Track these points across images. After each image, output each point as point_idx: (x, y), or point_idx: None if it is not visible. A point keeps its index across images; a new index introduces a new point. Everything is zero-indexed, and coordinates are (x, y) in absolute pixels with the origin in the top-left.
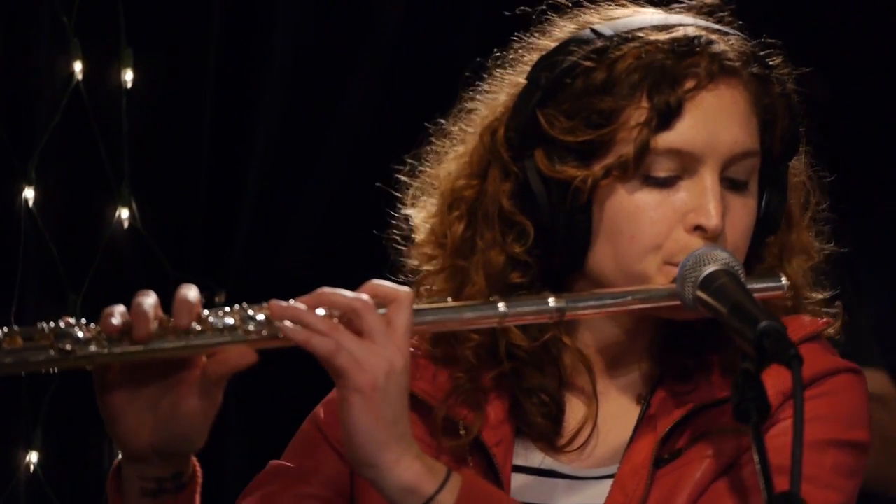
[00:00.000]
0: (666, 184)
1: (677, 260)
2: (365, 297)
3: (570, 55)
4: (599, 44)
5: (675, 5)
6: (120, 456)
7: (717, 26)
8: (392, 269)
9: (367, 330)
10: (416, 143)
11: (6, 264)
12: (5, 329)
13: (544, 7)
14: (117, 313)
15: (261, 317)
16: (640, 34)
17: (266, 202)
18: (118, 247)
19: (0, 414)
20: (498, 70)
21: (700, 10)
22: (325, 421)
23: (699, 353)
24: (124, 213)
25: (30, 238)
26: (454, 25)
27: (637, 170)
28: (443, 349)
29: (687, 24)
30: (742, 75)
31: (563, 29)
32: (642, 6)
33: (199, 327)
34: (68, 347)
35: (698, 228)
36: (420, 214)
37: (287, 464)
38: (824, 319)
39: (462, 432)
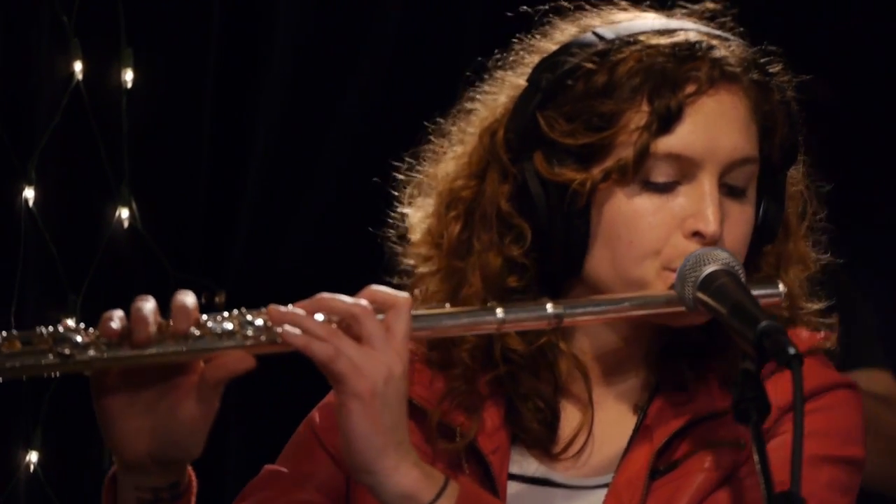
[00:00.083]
0: (665, 189)
1: (675, 265)
2: (364, 302)
3: (572, 57)
4: (601, 47)
5: (677, 10)
6: (115, 465)
7: (718, 32)
8: (390, 270)
9: (365, 335)
10: (415, 142)
11: (6, 264)
12: (4, 333)
13: (546, 9)
14: (116, 318)
15: (259, 322)
16: (642, 38)
17: (266, 202)
18: (118, 247)
19: (0, 414)
20: (498, 71)
21: (701, 16)
22: (321, 425)
23: (697, 364)
24: (124, 213)
25: (30, 238)
26: (454, 25)
27: (636, 174)
28: (439, 353)
29: (688, 28)
30: (742, 81)
31: (565, 31)
32: (644, 10)
33: (197, 332)
34: (67, 352)
35: (696, 234)
36: (417, 214)
37: (282, 469)
38: (822, 334)
39: (458, 438)
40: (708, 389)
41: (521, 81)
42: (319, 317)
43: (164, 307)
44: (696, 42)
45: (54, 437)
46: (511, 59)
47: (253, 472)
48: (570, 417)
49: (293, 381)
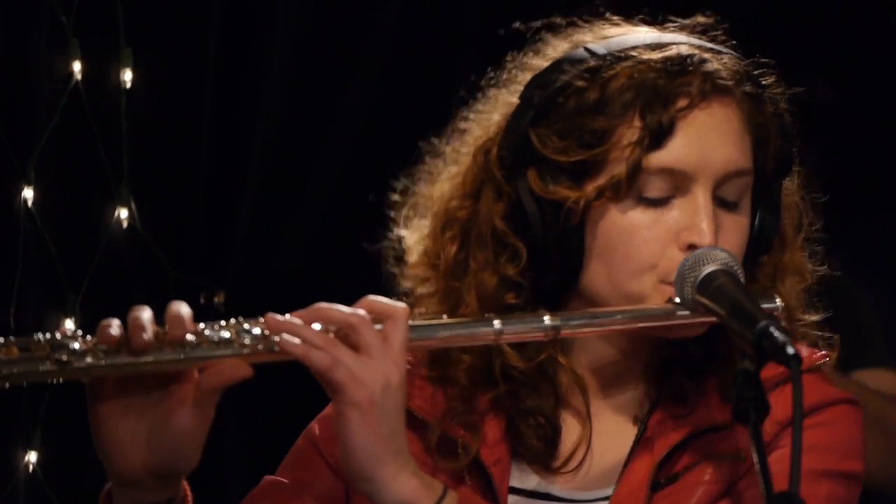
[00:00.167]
0: (659, 203)
1: (672, 279)
2: (361, 312)
3: (563, 74)
4: (592, 63)
5: (669, 24)
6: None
7: (710, 45)
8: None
9: (363, 345)
10: (415, 143)
11: (5, 264)
12: (1, 340)
13: (538, 26)
14: (114, 325)
15: (257, 330)
16: (634, 53)
17: (265, 202)
18: (117, 247)
19: (0, 414)
20: (491, 89)
21: (693, 30)
22: (320, 436)
23: (696, 376)
24: (123, 213)
25: (29, 238)
26: (453, 26)
27: (630, 190)
28: (438, 371)
29: (680, 42)
30: (735, 94)
31: (557, 48)
32: (636, 25)
33: (194, 340)
34: (64, 358)
35: (692, 247)
36: (413, 236)
37: (282, 479)
38: (822, 352)
39: (460, 451)
40: (708, 402)
41: (514, 99)
42: (317, 326)
43: (164, 307)
44: (688, 56)
45: (54, 437)
46: (504, 76)
47: (250, 483)
48: (570, 431)
49: (290, 391)
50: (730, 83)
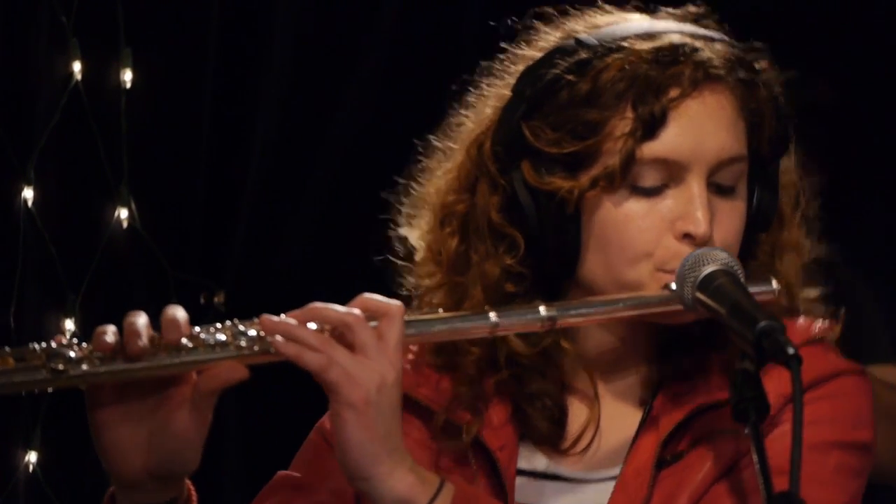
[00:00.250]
0: (653, 192)
1: (669, 267)
2: (356, 311)
3: (554, 67)
4: (583, 55)
5: (662, 11)
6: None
7: (703, 32)
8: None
9: (358, 344)
10: (415, 143)
11: (5, 264)
12: None
13: (530, 16)
14: (109, 332)
15: (252, 332)
16: (625, 44)
17: (265, 202)
18: (117, 247)
19: (0, 414)
20: (484, 82)
21: (684, 18)
22: (331, 431)
23: (699, 355)
24: (123, 213)
25: (29, 238)
26: (453, 26)
27: (623, 180)
28: (444, 359)
29: (672, 31)
30: (727, 81)
31: (548, 38)
32: (628, 12)
33: (190, 344)
34: (60, 367)
35: (687, 236)
36: (414, 233)
37: (294, 474)
38: (827, 323)
39: (464, 435)
40: (711, 379)
41: (506, 92)
42: (312, 326)
43: (164, 307)
44: (679, 45)
45: (54, 437)
46: (496, 69)
47: (251, 483)
48: (576, 413)
49: (290, 391)
50: (722, 71)
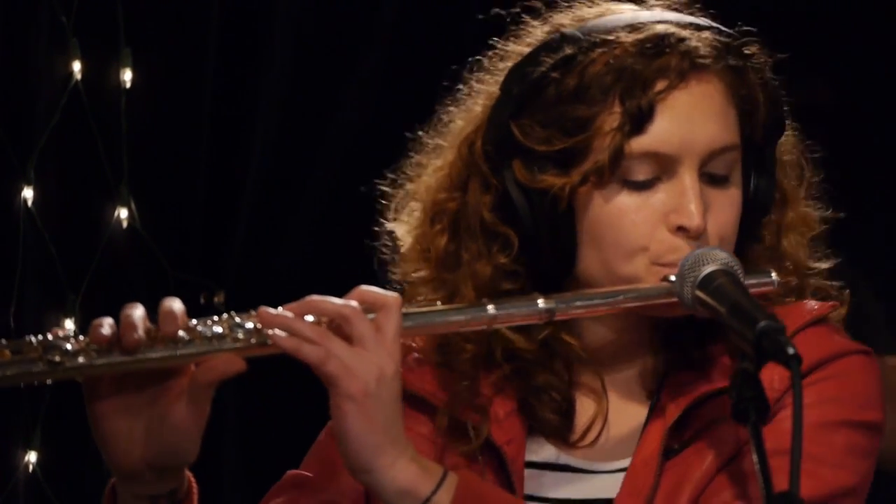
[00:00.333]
0: (645, 186)
1: (665, 260)
2: (353, 303)
3: (541, 65)
4: (569, 50)
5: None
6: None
7: (690, 19)
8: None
9: (356, 336)
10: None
11: (5, 264)
12: None
13: (516, 10)
14: (106, 324)
15: (249, 325)
16: (610, 37)
17: (265, 202)
18: (117, 246)
19: (0, 414)
20: (473, 79)
21: (669, 7)
22: (333, 424)
23: (703, 343)
24: (123, 213)
25: (29, 238)
26: (453, 26)
27: (613, 175)
28: (443, 357)
29: (657, 21)
30: (715, 69)
31: (535, 33)
32: (615, 2)
33: (187, 336)
34: (57, 359)
35: (681, 229)
36: (402, 228)
37: (305, 472)
38: (830, 303)
39: (472, 434)
40: (715, 367)
41: (495, 90)
42: (310, 318)
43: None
44: (664, 35)
45: (54, 437)
46: (485, 65)
47: (250, 475)
48: (584, 406)
49: (289, 383)
50: (708, 60)
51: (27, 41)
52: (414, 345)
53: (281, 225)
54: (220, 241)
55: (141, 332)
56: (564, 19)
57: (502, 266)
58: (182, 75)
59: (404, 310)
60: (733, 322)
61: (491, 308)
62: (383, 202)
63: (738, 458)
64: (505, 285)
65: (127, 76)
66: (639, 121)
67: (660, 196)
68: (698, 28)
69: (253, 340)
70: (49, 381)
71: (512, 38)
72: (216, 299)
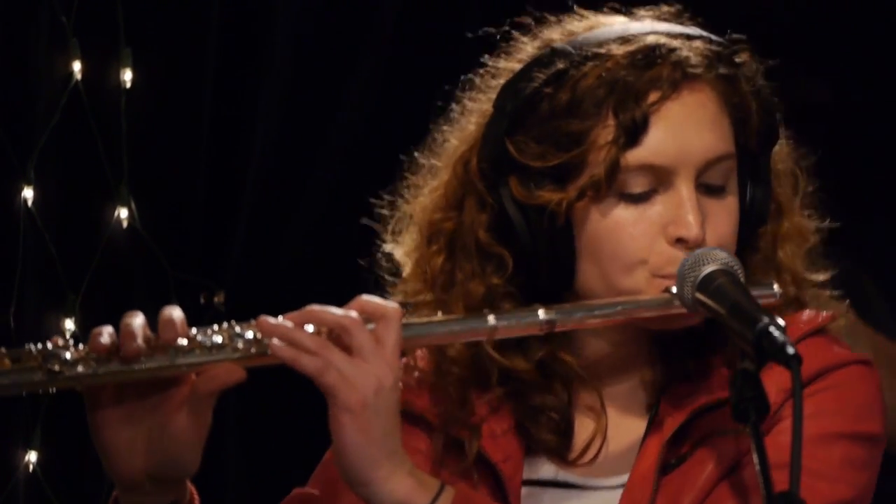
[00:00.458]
0: (642, 199)
1: (664, 272)
2: (353, 313)
3: (533, 81)
4: (560, 65)
5: (638, 12)
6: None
7: (680, 29)
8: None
9: (355, 347)
10: (414, 144)
11: (5, 264)
12: None
13: (506, 27)
14: (105, 333)
15: (249, 334)
16: (601, 50)
17: (265, 202)
18: (117, 246)
19: (0, 414)
20: (466, 97)
21: (660, 17)
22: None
23: (700, 355)
24: (123, 213)
25: (29, 238)
26: (454, 26)
27: (610, 188)
28: (440, 378)
29: (648, 32)
30: (706, 78)
31: (526, 49)
32: (605, 14)
33: (187, 346)
34: (56, 368)
35: (680, 240)
36: (400, 250)
37: (311, 490)
38: (829, 313)
39: (467, 451)
40: (713, 378)
41: (488, 107)
42: (310, 328)
43: (163, 307)
44: (655, 46)
45: (54, 437)
46: (477, 83)
47: (253, 488)
48: (583, 423)
49: (291, 393)
50: (700, 69)
51: (27, 41)
52: (413, 364)
53: (281, 225)
54: (220, 241)
55: (140, 340)
56: (554, 34)
57: (495, 287)
58: (182, 75)
59: (404, 320)
60: (733, 322)
61: (491, 319)
62: (381, 224)
63: (737, 470)
64: (499, 305)
65: (127, 76)
66: (633, 133)
67: (657, 208)
68: (689, 38)
69: (253, 350)
70: (49, 391)
71: (503, 56)
72: (216, 299)
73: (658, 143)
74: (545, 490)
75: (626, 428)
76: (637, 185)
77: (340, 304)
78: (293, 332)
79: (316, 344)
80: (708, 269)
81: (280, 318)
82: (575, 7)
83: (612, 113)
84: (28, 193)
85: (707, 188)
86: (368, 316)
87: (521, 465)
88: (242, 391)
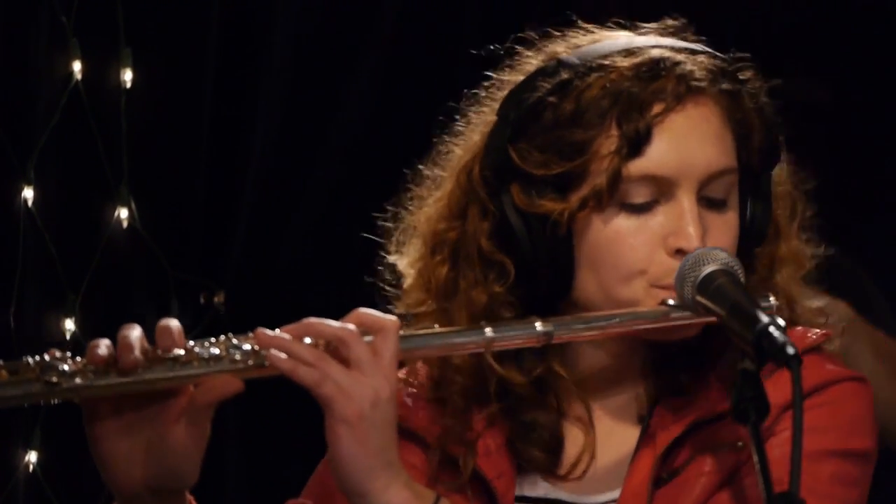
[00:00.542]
0: (643, 209)
1: (663, 283)
2: (351, 326)
3: (537, 90)
4: (565, 75)
5: (642, 27)
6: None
7: (684, 44)
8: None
9: (353, 359)
10: (413, 144)
11: (5, 264)
12: None
13: (511, 42)
14: (103, 345)
15: (247, 346)
16: (606, 62)
17: (265, 202)
18: (117, 246)
19: (0, 414)
20: (471, 110)
21: (664, 32)
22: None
23: (694, 369)
24: (123, 213)
25: (29, 238)
26: (454, 27)
27: (612, 198)
28: (437, 392)
29: (653, 45)
30: (710, 92)
31: (531, 62)
32: (610, 29)
33: (185, 357)
34: (54, 380)
35: (679, 252)
36: (404, 261)
37: (305, 501)
38: (823, 331)
39: (462, 468)
40: (707, 392)
41: (493, 118)
42: (307, 340)
43: (163, 308)
44: (660, 59)
45: (54, 437)
46: (482, 95)
47: (251, 496)
48: (572, 439)
49: (291, 404)
50: (704, 83)
51: (27, 41)
52: (411, 380)
53: (281, 225)
54: (220, 241)
55: (138, 352)
56: (559, 47)
57: (497, 295)
58: (182, 75)
59: (402, 332)
60: (733, 322)
61: (489, 331)
62: (384, 236)
63: (734, 482)
64: (501, 314)
65: (127, 76)
66: (636, 144)
67: (658, 219)
68: (693, 52)
69: (250, 362)
70: (45, 403)
71: (507, 69)
72: (216, 299)
73: (661, 154)
74: None
75: (617, 441)
76: (638, 195)
77: (340, 304)
78: (291, 343)
79: (313, 356)
80: (708, 268)
81: (277, 330)
82: (579, 21)
83: (615, 123)
84: (28, 193)
85: (708, 201)
86: (366, 328)
87: (513, 481)
88: (242, 402)
